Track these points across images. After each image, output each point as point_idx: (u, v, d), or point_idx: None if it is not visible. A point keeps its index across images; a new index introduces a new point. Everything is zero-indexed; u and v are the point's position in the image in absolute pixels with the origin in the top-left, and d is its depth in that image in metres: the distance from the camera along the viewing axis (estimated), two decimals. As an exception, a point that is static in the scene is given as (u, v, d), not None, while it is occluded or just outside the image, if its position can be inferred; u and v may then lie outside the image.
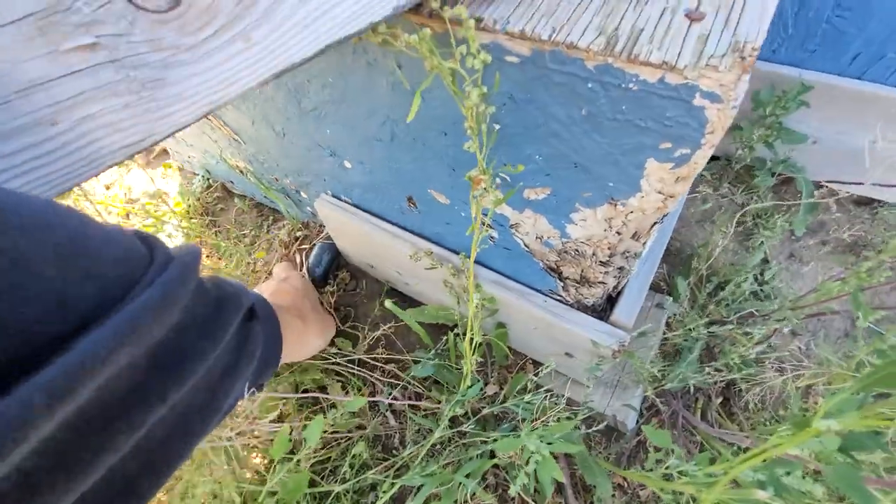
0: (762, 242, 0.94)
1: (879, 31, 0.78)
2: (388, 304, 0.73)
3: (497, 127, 0.43)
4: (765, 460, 0.45)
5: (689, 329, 0.72)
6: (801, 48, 0.85)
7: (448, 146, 0.50)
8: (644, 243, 0.49)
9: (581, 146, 0.40)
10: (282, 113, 0.65)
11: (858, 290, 0.56)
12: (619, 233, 0.49)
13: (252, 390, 0.47)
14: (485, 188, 0.43)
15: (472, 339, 0.64)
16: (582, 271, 0.58)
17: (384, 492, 0.64)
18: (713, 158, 1.09)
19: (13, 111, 0.20)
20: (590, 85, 0.34)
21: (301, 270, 0.95)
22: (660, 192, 0.40)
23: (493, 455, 0.73)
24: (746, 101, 0.95)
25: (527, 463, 0.57)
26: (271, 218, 1.06)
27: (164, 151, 1.25)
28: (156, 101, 0.23)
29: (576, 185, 0.44)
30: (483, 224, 0.54)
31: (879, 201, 0.97)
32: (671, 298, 0.85)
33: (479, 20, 0.36)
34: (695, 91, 0.30)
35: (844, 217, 0.99)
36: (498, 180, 0.50)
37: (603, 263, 0.55)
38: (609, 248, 0.52)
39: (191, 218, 1.07)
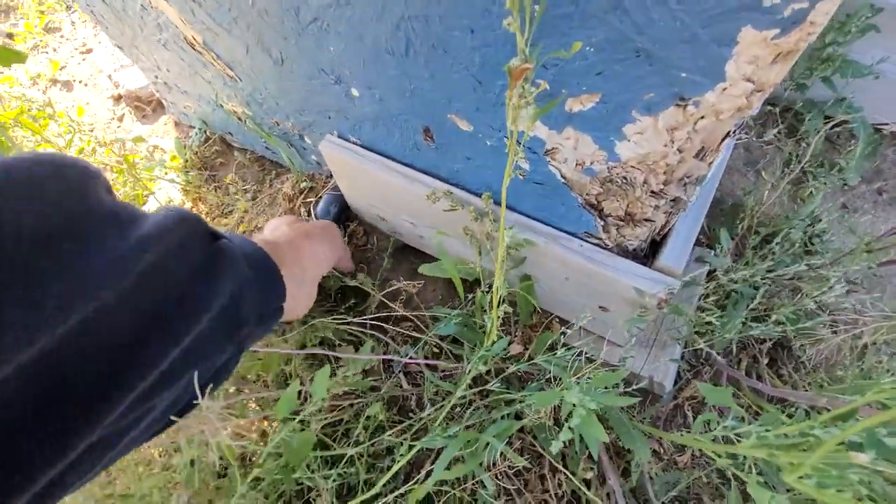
0: (811, 192, 0.85)
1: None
2: (423, 268, 0.66)
3: (537, 9, 0.35)
4: (848, 417, 0.38)
5: (742, 279, 0.65)
6: (871, -37, 0.74)
7: (475, 49, 0.42)
8: (710, 163, 0.41)
9: (650, 21, 0.31)
10: (278, 31, 0.56)
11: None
12: (680, 150, 0.41)
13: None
14: (525, 90, 0.35)
15: (497, 291, 0.57)
16: (628, 205, 0.50)
17: (402, 455, 0.59)
18: (756, 102, 0.99)
19: None
20: (676, -84, 0.26)
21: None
22: (749, 80, 0.32)
23: (518, 417, 0.67)
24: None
25: (566, 419, 0.50)
26: (274, 172, 0.99)
27: (160, 105, 1.18)
28: None
29: (635, 83, 0.36)
30: (519, 144, 0.46)
31: (946, 145, 0.87)
32: (713, 252, 0.77)
33: None
34: None
35: (905, 164, 0.90)
36: (534, 89, 0.42)
37: (655, 194, 0.47)
38: (665, 173, 0.44)
39: (188, 172, 1.00)
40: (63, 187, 0.28)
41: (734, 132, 0.38)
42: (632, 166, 0.44)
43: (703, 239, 0.84)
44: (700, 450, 0.63)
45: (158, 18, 0.72)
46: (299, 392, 0.71)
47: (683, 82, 0.34)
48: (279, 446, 0.48)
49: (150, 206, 0.94)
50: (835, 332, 0.72)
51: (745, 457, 0.47)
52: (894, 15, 0.75)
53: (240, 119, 0.88)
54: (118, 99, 1.21)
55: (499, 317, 0.59)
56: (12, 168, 0.26)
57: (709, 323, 0.64)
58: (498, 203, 0.59)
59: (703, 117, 0.36)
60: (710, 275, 0.77)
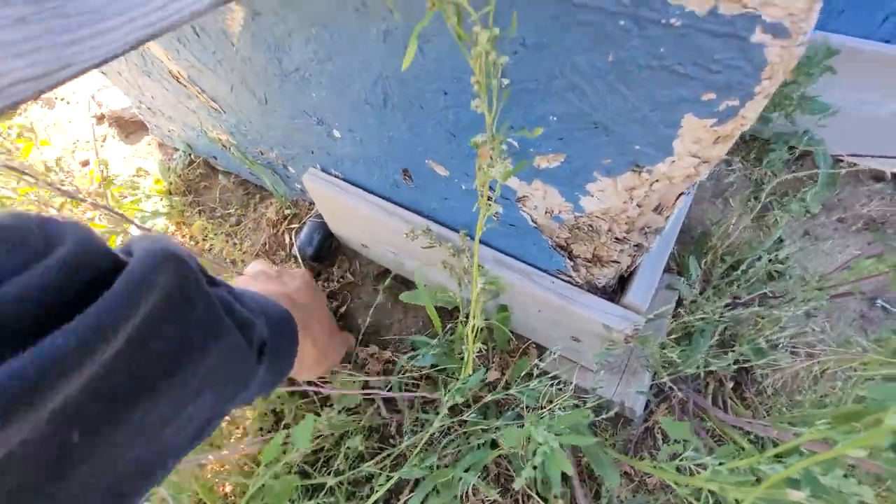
0: (777, 219, 0.90)
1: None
2: (404, 296, 0.68)
3: (506, 83, 0.38)
4: (791, 452, 0.41)
5: (705, 313, 0.68)
6: (826, 9, 0.79)
7: (448, 108, 0.44)
8: (667, 217, 0.44)
9: (604, 102, 0.34)
10: (262, 76, 0.58)
11: (893, 267, 0.52)
12: (639, 205, 0.43)
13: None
14: (492, 157, 0.38)
15: (473, 327, 0.60)
16: (595, 249, 0.53)
17: (380, 485, 0.61)
18: (725, 132, 1.04)
19: None
20: (622, 22, 0.28)
21: (291, 251, 0.89)
22: (694, 156, 0.35)
23: (495, 444, 0.69)
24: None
25: (534, 454, 0.53)
26: (258, 196, 1.00)
27: (143, 125, 1.18)
28: (64, 19, 0.17)
29: (594, 149, 0.39)
30: (489, 199, 0.49)
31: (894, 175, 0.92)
32: (682, 279, 0.81)
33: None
34: (755, 24, 0.25)
35: (862, 192, 0.95)
36: (505, 147, 0.45)
37: (619, 240, 0.50)
38: (627, 224, 0.47)
39: (172, 195, 1.00)
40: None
41: (688, 191, 0.41)
42: (596, 217, 0.47)
43: (674, 266, 0.87)
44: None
45: (143, 51, 0.73)
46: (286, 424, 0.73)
47: (637, 153, 0.37)
48: (261, 490, 0.49)
49: (134, 232, 0.95)
50: (794, 359, 0.76)
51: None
52: (850, 56, 0.79)
53: (224, 146, 0.89)
54: (101, 118, 1.21)
55: (475, 350, 0.62)
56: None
57: (676, 352, 0.67)
58: (485, 245, 0.62)
59: (657, 181, 0.39)
60: (680, 302, 0.80)
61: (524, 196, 0.50)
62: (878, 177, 0.95)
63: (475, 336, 0.62)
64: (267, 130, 0.72)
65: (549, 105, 0.37)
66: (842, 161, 0.94)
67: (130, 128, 1.18)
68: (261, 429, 0.72)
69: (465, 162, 0.51)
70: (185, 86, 0.75)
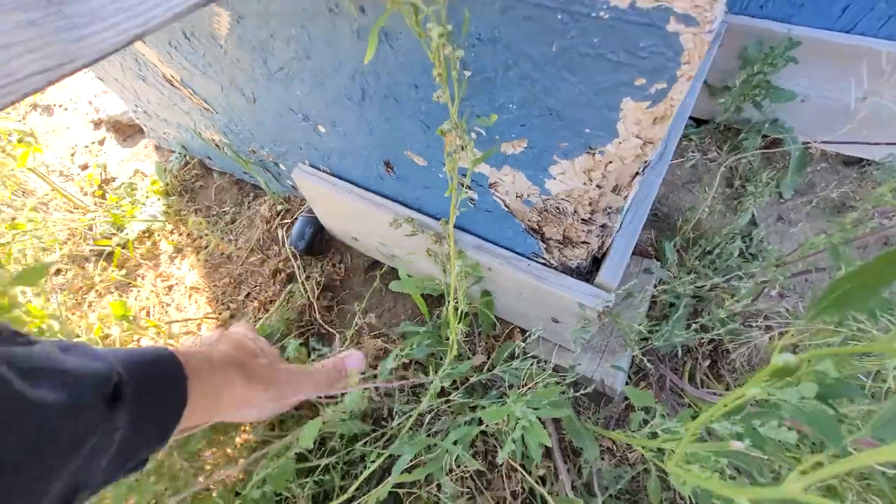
0: (750, 205, 0.93)
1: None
2: (393, 285, 0.72)
3: (467, 74, 0.41)
4: (739, 411, 0.45)
5: (676, 289, 0.72)
6: (788, 2, 0.83)
7: (420, 101, 0.48)
8: (626, 197, 0.48)
9: (555, 87, 0.38)
10: (249, 75, 0.62)
11: (840, 242, 0.55)
12: (599, 186, 0.47)
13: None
14: (460, 144, 0.41)
15: (456, 308, 0.63)
16: (564, 231, 0.56)
17: (372, 461, 0.64)
18: (700, 122, 1.08)
19: None
20: (559, 16, 0.32)
21: (284, 246, 0.93)
22: (638, 137, 0.38)
23: (481, 423, 0.73)
24: (733, 60, 0.92)
25: (514, 429, 0.57)
26: (252, 194, 1.03)
27: (140, 129, 1.22)
28: (67, 19, 0.21)
29: (552, 133, 0.42)
30: (461, 185, 0.52)
31: (867, 160, 0.96)
32: (659, 263, 0.84)
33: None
34: (668, 14, 0.28)
35: (832, 177, 0.98)
36: (473, 135, 0.48)
37: (585, 221, 0.53)
38: (590, 204, 0.50)
39: (168, 196, 1.04)
40: None
41: (642, 171, 0.44)
42: (562, 199, 0.51)
43: (652, 251, 0.91)
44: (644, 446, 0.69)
45: (138, 56, 0.77)
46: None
47: (589, 136, 0.40)
48: (263, 480, 0.53)
49: (132, 232, 0.98)
50: (770, 337, 0.80)
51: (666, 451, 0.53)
52: (812, 47, 0.83)
53: (217, 146, 0.93)
54: (98, 123, 1.25)
55: (459, 333, 0.65)
56: None
57: (649, 333, 0.71)
58: (462, 230, 0.65)
59: (610, 162, 0.43)
60: (658, 285, 0.84)
61: (495, 182, 0.54)
62: (847, 161, 0.99)
63: (459, 320, 0.65)
64: (257, 128, 0.76)
65: (508, 93, 0.41)
66: (811, 147, 0.97)
67: (128, 132, 1.21)
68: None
69: (441, 150, 0.54)
70: (178, 88, 0.78)
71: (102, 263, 0.96)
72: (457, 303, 0.63)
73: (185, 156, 1.08)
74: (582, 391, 0.67)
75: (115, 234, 0.98)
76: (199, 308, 0.92)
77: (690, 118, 1.05)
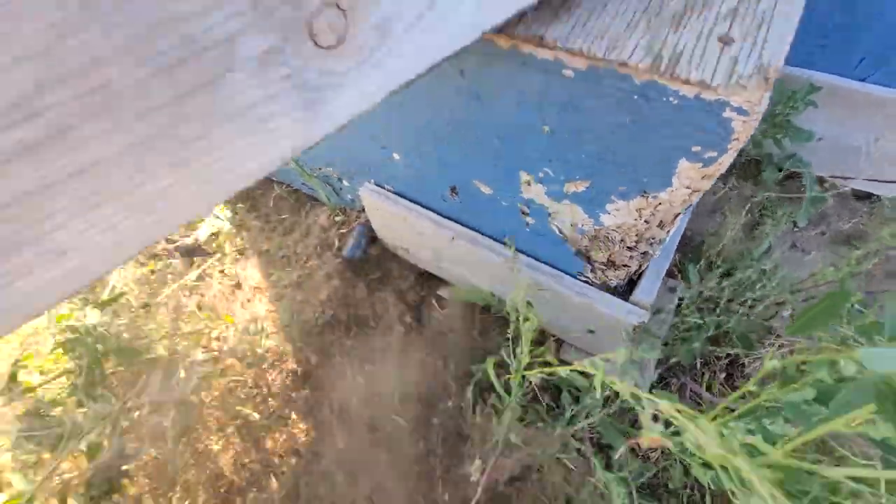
0: (768, 233, 1.02)
1: (883, 38, 0.84)
2: (443, 291, 0.81)
3: (547, 129, 0.50)
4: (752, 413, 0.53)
5: (700, 311, 0.80)
6: (810, 51, 0.91)
7: (501, 146, 0.57)
8: (668, 231, 0.57)
9: (623, 147, 0.47)
10: (339, 109, 0.71)
11: (847, 275, 0.64)
12: (647, 221, 0.56)
13: None
14: (526, 181, 0.50)
15: (517, 319, 0.72)
16: (610, 255, 0.65)
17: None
18: (724, 153, 1.16)
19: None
20: (636, 97, 0.41)
21: (339, 253, 1.02)
22: (687, 187, 0.47)
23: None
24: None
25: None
26: (308, 204, 1.13)
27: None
28: (314, 113, 0.30)
29: (613, 179, 0.51)
30: (523, 213, 0.61)
31: (878, 196, 1.04)
32: (683, 283, 0.93)
33: (540, 38, 0.43)
34: (725, 106, 0.37)
35: (845, 210, 1.06)
36: (541, 174, 0.58)
37: (629, 248, 0.62)
38: (636, 235, 0.59)
39: (234, 202, 1.14)
40: None
41: (684, 212, 0.53)
42: (612, 230, 0.60)
43: (676, 271, 1.00)
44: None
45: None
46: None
47: (646, 184, 0.49)
48: None
49: (202, 233, 1.08)
50: (782, 353, 0.88)
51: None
52: (830, 92, 0.92)
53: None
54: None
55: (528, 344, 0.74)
56: None
57: (674, 343, 0.79)
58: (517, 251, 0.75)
59: (660, 204, 0.52)
60: (682, 302, 0.92)
61: (555, 212, 0.63)
62: (858, 196, 1.07)
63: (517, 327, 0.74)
64: (332, 151, 0.86)
65: (583, 147, 0.50)
66: (826, 182, 1.06)
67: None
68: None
69: (507, 182, 0.63)
70: (260, 111, 0.88)
71: (173, 261, 1.06)
72: (524, 317, 0.72)
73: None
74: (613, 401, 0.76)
75: (187, 235, 1.08)
76: (258, 305, 1.01)
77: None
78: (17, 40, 0.18)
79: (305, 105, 0.29)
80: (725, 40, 0.39)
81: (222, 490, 0.80)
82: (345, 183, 0.95)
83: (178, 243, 1.08)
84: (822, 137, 0.99)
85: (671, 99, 0.39)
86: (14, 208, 0.21)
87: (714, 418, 0.56)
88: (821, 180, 1.06)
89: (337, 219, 1.04)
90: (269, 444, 0.87)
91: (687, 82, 0.38)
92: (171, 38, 0.21)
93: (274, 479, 0.80)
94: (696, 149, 0.42)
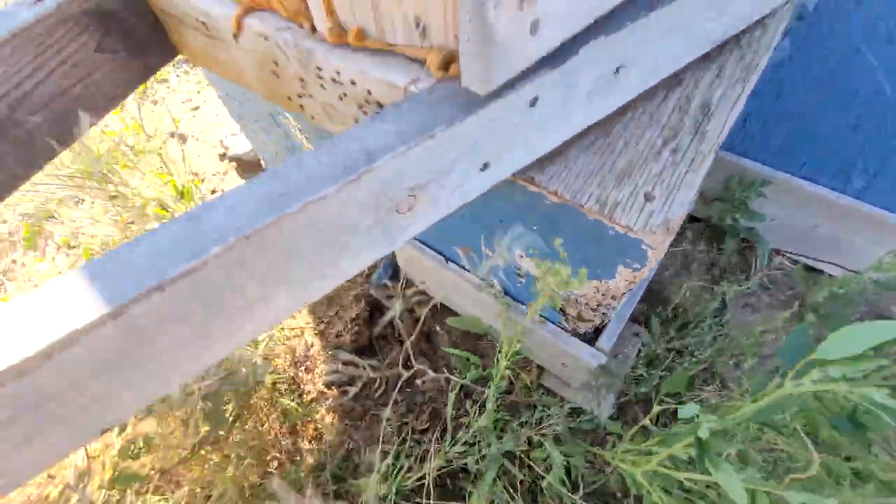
0: (724, 292, 1.22)
1: (819, 149, 1.05)
2: (451, 321, 1.03)
3: (535, 227, 0.72)
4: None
5: (655, 351, 1.01)
6: (764, 151, 1.12)
7: (502, 229, 0.79)
8: (619, 302, 0.78)
9: (584, 249, 0.68)
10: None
11: (753, 343, 0.84)
12: (602, 294, 0.77)
13: None
14: (521, 259, 0.72)
15: (506, 353, 0.94)
16: (579, 311, 0.86)
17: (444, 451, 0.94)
18: (694, 220, 1.37)
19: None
20: (590, 225, 0.63)
21: (368, 278, 1.24)
22: (626, 280, 0.68)
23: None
24: (721, 182, 1.22)
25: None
26: (344, 233, 1.35)
27: (260, 166, 1.55)
28: (391, 242, 0.52)
29: (579, 265, 0.73)
30: (518, 276, 0.83)
31: (821, 271, 1.24)
32: (646, 329, 1.14)
33: (531, 179, 0.64)
34: (642, 242, 0.59)
35: (792, 279, 1.26)
36: (530, 251, 0.79)
37: (592, 309, 0.83)
38: (596, 302, 0.80)
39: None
40: None
41: (628, 291, 0.75)
42: (579, 296, 0.81)
43: (642, 319, 1.20)
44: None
45: (294, 141, 1.10)
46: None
47: (599, 273, 0.71)
48: None
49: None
50: (721, 397, 1.08)
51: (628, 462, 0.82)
52: (782, 185, 1.12)
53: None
54: (223, 156, 1.59)
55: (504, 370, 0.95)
56: None
57: (632, 380, 1.00)
58: (509, 295, 0.96)
59: (609, 287, 0.73)
60: (643, 346, 1.13)
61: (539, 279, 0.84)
62: (808, 268, 1.27)
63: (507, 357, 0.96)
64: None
65: (560, 243, 0.71)
66: (781, 254, 1.26)
67: (248, 167, 1.55)
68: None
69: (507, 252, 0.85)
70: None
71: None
72: (508, 349, 0.93)
73: (295, 196, 1.41)
74: (579, 418, 0.97)
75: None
76: (300, 318, 1.23)
77: (689, 215, 1.34)
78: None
79: (387, 240, 0.51)
80: (648, 197, 0.61)
81: (265, 460, 1.02)
82: (378, 225, 1.17)
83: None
84: (775, 219, 1.20)
85: (611, 231, 0.61)
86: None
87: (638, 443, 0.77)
88: (778, 252, 1.26)
89: (368, 251, 1.26)
90: (301, 430, 1.09)
91: (619, 224, 0.59)
92: (341, 235, 0.43)
93: (308, 457, 1.02)
94: (627, 260, 0.64)
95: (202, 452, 0.91)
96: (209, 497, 0.91)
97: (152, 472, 0.89)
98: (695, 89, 0.70)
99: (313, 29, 0.55)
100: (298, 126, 1.01)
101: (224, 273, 0.39)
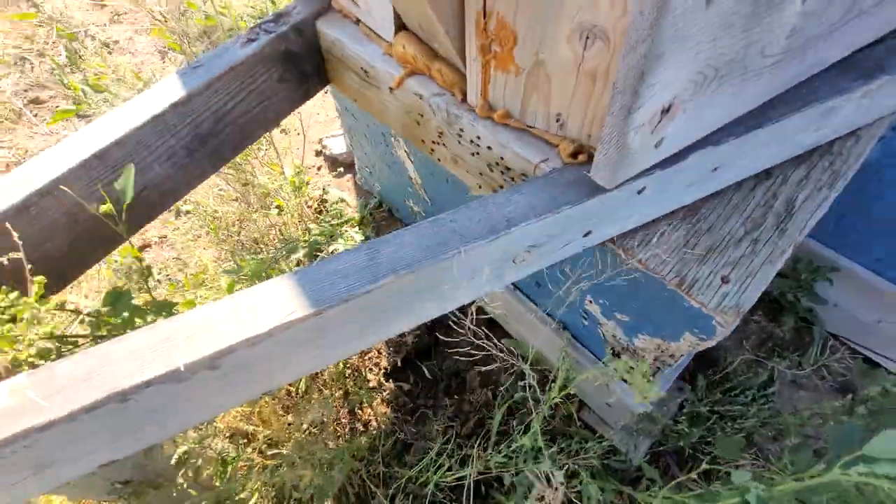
0: (773, 367, 1.25)
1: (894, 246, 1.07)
2: (507, 342, 1.13)
3: (614, 282, 0.81)
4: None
5: (697, 408, 1.07)
6: (839, 241, 1.15)
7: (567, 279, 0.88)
8: (675, 361, 0.86)
9: (656, 311, 0.77)
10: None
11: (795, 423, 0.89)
12: (662, 351, 0.85)
13: None
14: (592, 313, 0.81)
15: (559, 385, 1.03)
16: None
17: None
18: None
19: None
20: (666, 293, 0.71)
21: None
22: (689, 346, 0.76)
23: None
24: (789, 259, 1.25)
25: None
26: (419, 243, 1.48)
27: (350, 165, 1.71)
28: (476, 288, 0.63)
29: (645, 325, 0.81)
30: (582, 317, 0.92)
31: (878, 364, 1.25)
32: (690, 387, 1.19)
33: (623, 247, 0.74)
34: (713, 318, 0.67)
35: (847, 367, 1.27)
36: (600, 301, 0.88)
37: (651, 362, 0.91)
38: (654, 357, 0.88)
39: (363, 225, 1.52)
40: None
41: (688, 355, 0.82)
42: (639, 348, 0.89)
43: (688, 375, 1.26)
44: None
45: (397, 157, 1.23)
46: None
47: (664, 335, 0.79)
48: None
49: (338, 247, 1.46)
50: (757, 466, 1.12)
51: (657, 507, 0.90)
52: (849, 274, 1.15)
53: (413, 213, 1.38)
54: (319, 153, 1.76)
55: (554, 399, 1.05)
56: None
57: (669, 432, 1.07)
58: (567, 329, 1.05)
59: (670, 348, 0.81)
60: (685, 401, 1.19)
61: (603, 323, 0.93)
62: (866, 359, 1.28)
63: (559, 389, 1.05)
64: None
65: (632, 300, 0.80)
66: (839, 339, 1.28)
67: (340, 166, 1.71)
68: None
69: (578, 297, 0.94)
70: (412, 181, 1.24)
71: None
72: (561, 381, 1.02)
73: (381, 202, 1.55)
74: (614, 458, 1.05)
75: (324, 246, 1.47)
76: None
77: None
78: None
79: (497, 282, 0.62)
80: (725, 279, 0.69)
81: (327, 430, 1.16)
82: (456, 244, 1.29)
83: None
84: (837, 304, 1.22)
85: (685, 303, 0.69)
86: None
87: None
88: (835, 337, 1.28)
89: (440, 264, 1.38)
90: (359, 412, 1.22)
91: (695, 300, 0.67)
92: (470, 274, 0.55)
93: (361, 437, 1.15)
94: (695, 330, 0.72)
95: (278, 411, 1.06)
96: (276, 453, 1.05)
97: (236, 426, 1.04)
98: (781, 186, 0.77)
99: (463, 99, 0.67)
100: (407, 150, 1.14)
101: (389, 296, 0.51)
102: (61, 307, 0.55)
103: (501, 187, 0.72)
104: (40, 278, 0.52)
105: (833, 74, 0.72)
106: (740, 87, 0.57)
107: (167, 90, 0.68)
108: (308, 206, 1.58)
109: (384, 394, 1.25)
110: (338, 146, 1.71)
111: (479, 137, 0.67)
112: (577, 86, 0.54)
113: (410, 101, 0.75)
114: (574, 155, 0.59)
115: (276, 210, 1.47)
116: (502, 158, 0.66)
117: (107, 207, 0.55)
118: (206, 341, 0.45)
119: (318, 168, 1.73)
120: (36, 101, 2.06)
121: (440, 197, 1.17)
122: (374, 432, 1.17)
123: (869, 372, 1.22)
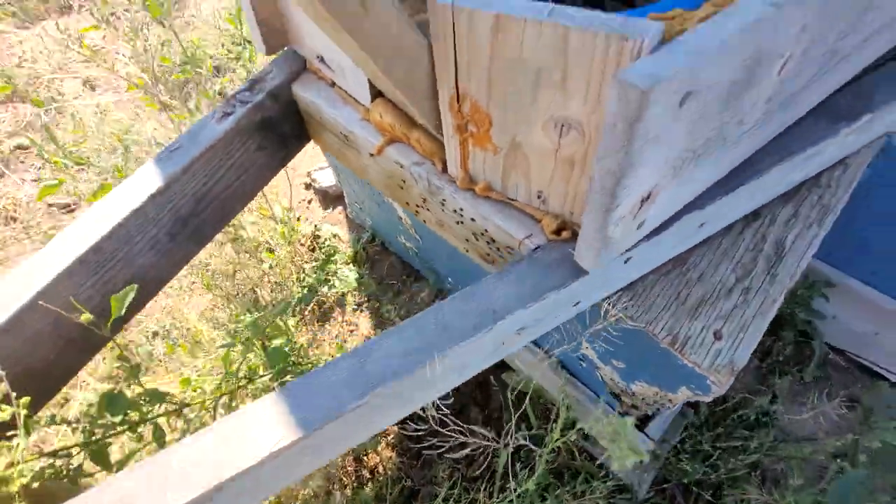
0: (775, 384, 1.25)
1: (891, 262, 1.06)
2: (507, 376, 1.13)
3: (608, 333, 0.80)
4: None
5: (699, 438, 1.07)
6: (834, 255, 1.14)
7: (576, 322, 0.88)
8: (674, 405, 0.85)
9: (652, 362, 0.76)
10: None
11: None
12: (660, 398, 0.85)
13: None
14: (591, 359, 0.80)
15: (561, 425, 1.02)
16: (632, 402, 0.94)
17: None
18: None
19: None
20: (660, 350, 0.71)
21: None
22: (686, 397, 0.76)
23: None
24: (788, 276, 1.24)
25: None
26: (414, 276, 1.48)
27: (340, 198, 1.70)
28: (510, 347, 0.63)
29: (642, 372, 0.81)
30: (581, 361, 0.92)
31: (879, 374, 1.24)
32: (693, 412, 1.19)
33: (611, 308, 0.73)
34: (707, 378, 0.66)
35: (848, 377, 1.27)
36: (596, 346, 0.87)
37: (648, 404, 0.91)
38: (653, 400, 0.88)
39: (357, 263, 1.51)
40: None
41: (681, 403, 0.82)
42: (637, 392, 0.89)
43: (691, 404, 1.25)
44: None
45: (395, 209, 1.22)
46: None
47: (661, 385, 0.78)
48: None
49: (337, 286, 1.45)
50: (760, 491, 1.12)
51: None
52: (845, 288, 1.14)
53: (406, 247, 1.37)
54: (308, 187, 1.75)
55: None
56: None
57: (673, 465, 1.07)
58: (565, 368, 1.05)
59: (668, 396, 0.80)
60: (687, 427, 1.19)
61: (600, 367, 0.93)
62: (863, 368, 1.27)
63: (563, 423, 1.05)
64: (449, 261, 1.19)
65: (628, 349, 0.79)
66: (841, 352, 1.27)
67: (330, 200, 1.70)
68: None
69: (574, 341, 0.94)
70: (404, 223, 1.23)
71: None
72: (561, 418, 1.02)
73: (373, 236, 1.54)
74: (621, 495, 1.05)
75: (320, 288, 1.46)
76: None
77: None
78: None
79: (493, 358, 0.62)
80: (717, 335, 0.68)
81: (331, 479, 1.16)
82: (450, 280, 1.28)
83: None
84: (836, 317, 1.21)
85: (678, 361, 0.69)
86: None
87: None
88: (836, 350, 1.27)
89: (436, 297, 1.38)
90: (365, 459, 1.22)
91: (688, 358, 0.67)
92: (464, 363, 0.54)
93: (367, 488, 1.15)
94: (692, 386, 0.71)
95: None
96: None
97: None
98: (770, 227, 0.77)
99: (444, 169, 0.66)
100: (394, 194, 1.13)
101: (379, 404, 0.51)
102: (51, 422, 0.54)
103: (488, 254, 0.71)
104: (25, 400, 0.51)
105: (813, 120, 0.71)
106: (720, 156, 0.56)
107: (145, 181, 0.67)
108: (301, 244, 1.57)
109: (388, 438, 1.24)
110: (327, 179, 1.70)
111: (461, 209, 0.66)
112: (555, 169, 0.53)
113: (391, 168, 0.74)
114: (557, 232, 0.58)
115: (268, 265, 1.46)
116: (486, 231, 0.66)
117: (86, 317, 0.55)
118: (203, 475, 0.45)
119: (309, 202, 1.72)
120: (21, 147, 2.05)
121: (430, 235, 1.16)
122: (382, 479, 1.17)
123: (876, 389, 1.22)
